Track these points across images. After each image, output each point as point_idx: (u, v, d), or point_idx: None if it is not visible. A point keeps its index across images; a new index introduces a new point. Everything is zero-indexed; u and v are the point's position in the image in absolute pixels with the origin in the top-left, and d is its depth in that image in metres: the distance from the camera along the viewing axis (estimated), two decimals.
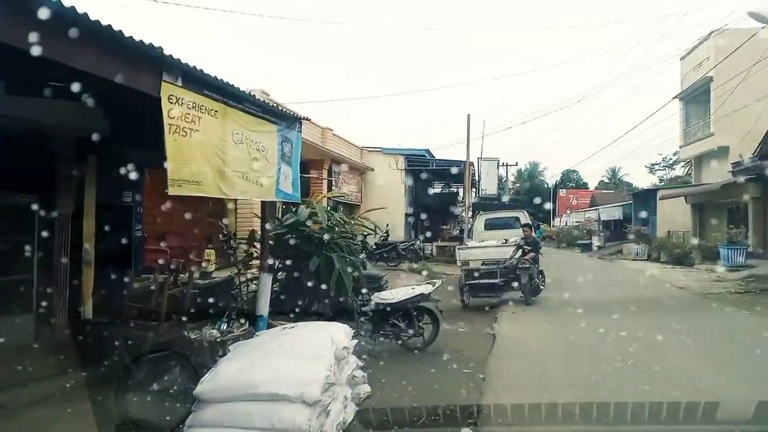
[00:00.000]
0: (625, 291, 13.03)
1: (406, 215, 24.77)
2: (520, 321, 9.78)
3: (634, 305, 10.80)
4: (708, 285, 14.31)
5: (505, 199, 36.16)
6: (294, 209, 6.37)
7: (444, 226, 31.69)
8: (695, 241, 22.72)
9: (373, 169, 23.26)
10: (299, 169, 5.61)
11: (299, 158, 5.70)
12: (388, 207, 23.44)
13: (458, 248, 15.03)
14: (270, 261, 5.77)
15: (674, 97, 30.07)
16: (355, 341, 5.14)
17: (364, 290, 8.54)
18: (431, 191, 32.04)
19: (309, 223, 6.44)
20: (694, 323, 8.79)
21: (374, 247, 19.89)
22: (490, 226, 18.37)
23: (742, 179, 19.38)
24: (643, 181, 54.29)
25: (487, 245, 14.69)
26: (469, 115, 25.21)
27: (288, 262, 6.47)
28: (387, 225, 22.16)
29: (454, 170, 25.57)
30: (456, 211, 30.08)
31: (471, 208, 24.70)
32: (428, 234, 26.99)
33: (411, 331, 7.27)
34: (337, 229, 6.56)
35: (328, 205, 17.80)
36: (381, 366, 6.27)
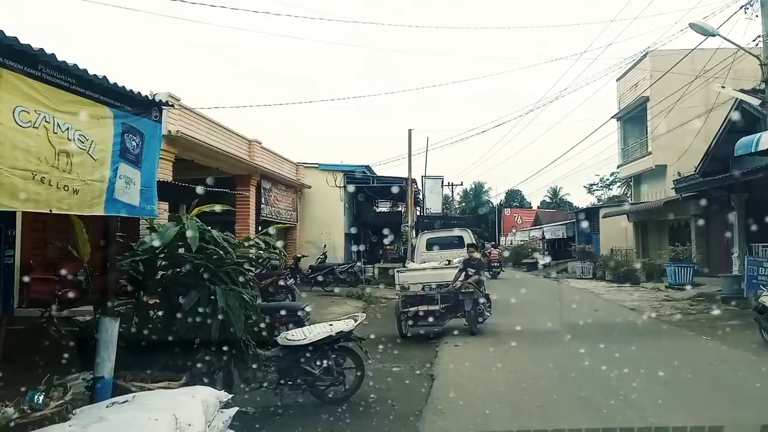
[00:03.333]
0: (575, 315, 12.10)
1: (347, 235, 23.37)
2: (464, 355, 8.52)
3: (588, 332, 9.82)
4: (659, 306, 13.65)
5: (451, 217, 35.47)
6: (158, 228, 4.86)
7: (388, 247, 30.53)
8: (639, 259, 22.51)
9: (310, 187, 21.78)
10: (156, 173, 4.12)
11: (157, 157, 4.24)
12: (327, 226, 22.24)
13: (397, 271, 13.76)
14: (113, 299, 4.25)
15: (612, 117, 30.34)
16: (231, 411, 3.68)
17: (280, 325, 7.14)
18: (374, 210, 30.90)
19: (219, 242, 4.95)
20: (660, 355, 7.82)
21: (309, 270, 18.43)
22: (432, 246, 17.27)
23: (684, 196, 19.26)
24: (582, 200, 55.34)
25: (428, 267, 13.52)
26: (410, 130, 24.29)
27: (155, 299, 4.96)
28: (324, 246, 20.74)
29: (398, 188, 24.52)
30: (400, 230, 28.98)
31: (414, 227, 23.63)
32: (371, 255, 25.71)
33: (328, 379, 5.85)
34: (228, 253, 5.08)
35: (258, 227, 16.41)
36: None
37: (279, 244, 6.12)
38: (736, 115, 15.56)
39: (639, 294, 16.82)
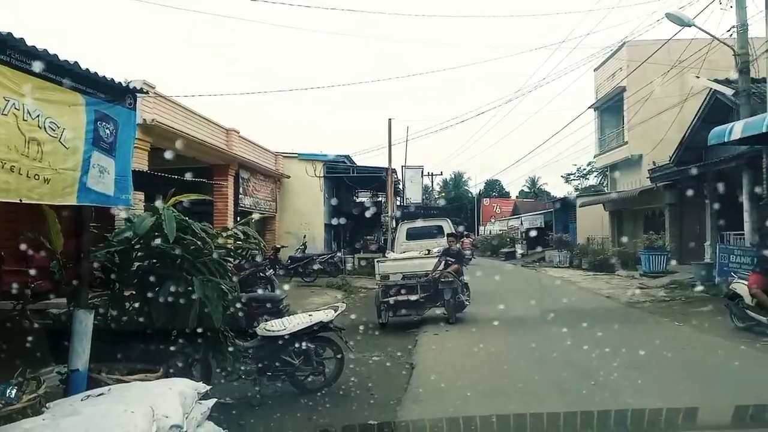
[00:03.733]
0: (552, 302, 12.27)
1: (327, 226, 23.30)
2: (443, 344, 8.59)
3: (564, 319, 9.96)
4: (633, 293, 13.92)
5: (431, 207, 35.61)
6: (134, 218, 4.76)
7: (368, 237, 30.53)
8: (615, 247, 22.89)
9: (289, 177, 21.63)
10: (130, 161, 4.02)
11: (132, 146, 4.14)
12: (306, 217, 22.13)
13: (377, 261, 13.80)
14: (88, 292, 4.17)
15: (589, 107, 30.66)
16: (209, 402, 3.66)
17: (259, 316, 7.10)
18: (355, 200, 30.83)
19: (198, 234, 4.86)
20: (635, 341, 7.96)
21: (288, 261, 18.34)
22: (412, 236, 17.32)
23: (659, 186, 19.61)
24: (560, 190, 56.03)
25: (408, 257, 13.58)
26: (390, 120, 24.24)
27: (131, 291, 4.88)
28: (304, 237, 20.65)
29: (378, 178, 24.49)
30: (381, 220, 29.00)
31: (394, 218, 23.66)
32: (351, 246, 25.69)
33: (308, 369, 5.86)
34: (206, 243, 5.01)
35: (236, 217, 16.22)
36: (255, 423, 4.81)
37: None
38: (710, 105, 15.87)
39: (614, 282, 17.13)
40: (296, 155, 22.23)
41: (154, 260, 5.04)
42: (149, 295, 4.93)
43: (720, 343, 7.94)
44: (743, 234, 13.50)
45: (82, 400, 3.10)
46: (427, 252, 13.35)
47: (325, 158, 22.91)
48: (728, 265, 12.52)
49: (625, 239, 22.24)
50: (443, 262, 11.00)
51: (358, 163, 25.48)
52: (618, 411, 3.71)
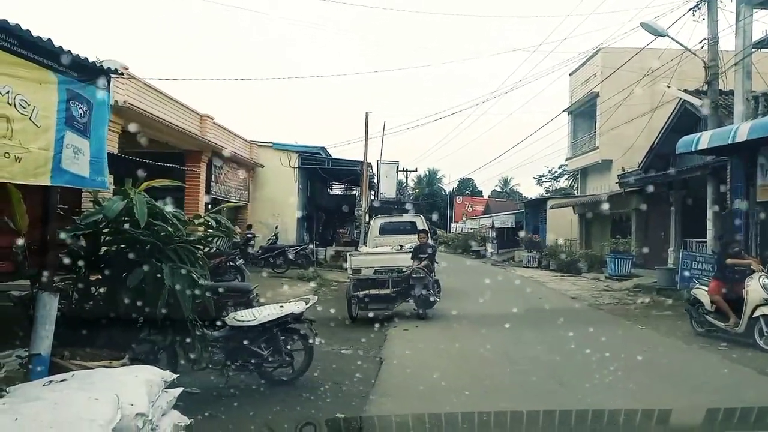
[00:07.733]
0: (520, 302, 12.47)
1: (299, 217, 23.15)
2: (413, 339, 8.65)
3: (531, 319, 10.17)
4: (598, 295, 14.25)
5: (405, 202, 35.70)
6: (103, 201, 4.64)
7: (341, 230, 30.42)
8: (583, 250, 23.37)
9: (263, 166, 21.40)
10: (105, 143, 3.90)
11: (106, 128, 4.03)
12: (279, 207, 21.93)
13: (349, 255, 13.78)
14: (50, 275, 4.05)
15: (563, 111, 31.16)
16: (176, 391, 3.60)
17: (228, 306, 7.01)
18: (329, 193, 30.68)
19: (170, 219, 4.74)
20: (598, 342, 8.12)
21: (260, 251, 18.15)
22: (385, 230, 17.33)
23: (627, 191, 20.08)
24: (531, 191, 56.90)
25: (380, 252, 13.61)
26: (368, 113, 24.12)
27: (97, 276, 4.76)
28: (276, 227, 20.48)
29: (353, 171, 24.42)
30: (354, 214, 28.93)
31: (368, 212, 23.65)
32: (324, 238, 25.60)
33: (277, 360, 5.81)
34: (178, 230, 4.92)
35: (207, 205, 15.96)
36: (222, 413, 4.76)
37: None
38: (679, 115, 16.31)
39: (581, 283, 17.49)
40: (271, 144, 22.00)
41: (123, 245, 4.92)
42: (116, 280, 4.82)
43: (679, 346, 8.20)
44: (706, 241, 13.93)
45: (44, 385, 3.01)
46: (399, 247, 13.40)
47: (301, 149, 22.74)
48: (690, 271, 12.86)
49: (593, 242, 22.72)
50: (416, 258, 11.07)
51: (334, 156, 25.37)
52: (579, 411, 3.81)
